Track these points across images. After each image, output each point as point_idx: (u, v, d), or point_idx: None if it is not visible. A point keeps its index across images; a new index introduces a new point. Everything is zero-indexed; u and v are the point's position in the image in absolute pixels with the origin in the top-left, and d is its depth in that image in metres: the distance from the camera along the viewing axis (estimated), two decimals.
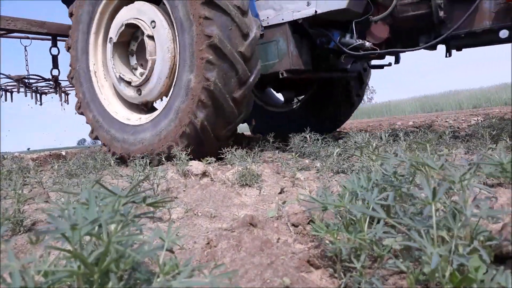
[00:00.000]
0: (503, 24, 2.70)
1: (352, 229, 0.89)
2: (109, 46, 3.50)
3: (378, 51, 3.15)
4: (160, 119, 3.08)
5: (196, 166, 2.42)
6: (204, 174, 2.38)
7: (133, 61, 3.51)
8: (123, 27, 3.35)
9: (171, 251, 0.70)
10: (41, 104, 6.14)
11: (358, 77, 4.50)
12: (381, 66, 4.22)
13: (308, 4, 3.05)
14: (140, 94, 3.35)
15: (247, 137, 4.37)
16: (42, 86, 6.12)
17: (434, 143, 2.64)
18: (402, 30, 3.15)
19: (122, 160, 3.37)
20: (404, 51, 3.28)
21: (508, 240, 0.82)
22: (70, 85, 5.05)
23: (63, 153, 6.01)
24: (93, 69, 3.67)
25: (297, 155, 2.92)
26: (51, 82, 5.60)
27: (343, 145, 2.70)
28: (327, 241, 1.05)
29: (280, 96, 5.09)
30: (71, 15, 3.78)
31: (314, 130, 3.25)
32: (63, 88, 5.89)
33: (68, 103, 6.21)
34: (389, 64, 3.99)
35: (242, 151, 2.66)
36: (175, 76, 3.01)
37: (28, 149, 10.44)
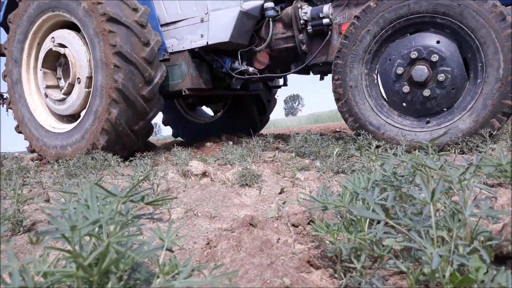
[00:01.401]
0: None
1: (352, 229, 0.89)
2: (40, 74, 4.11)
3: (258, 75, 3.91)
4: (84, 122, 3.65)
5: (196, 166, 2.42)
6: (204, 174, 2.38)
7: (62, 83, 4.07)
8: (46, 56, 4.00)
9: (170, 251, 0.70)
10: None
11: (266, 87, 5.43)
12: (278, 86, 5.47)
13: (202, 36, 3.78)
14: (67, 106, 3.95)
15: (155, 145, 5.11)
16: None
17: (434, 142, 2.64)
18: (278, 58, 3.88)
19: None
20: (279, 76, 4.23)
21: (508, 240, 0.82)
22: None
23: None
24: (28, 93, 4.27)
25: (297, 155, 2.92)
26: None
27: (343, 145, 2.70)
28: (327, 241, 1.05)
29: (209, 110, 6.23)
30: (4, 48, 4.34)
31: (235, 133, 4.34)
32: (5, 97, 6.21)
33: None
34: (285, 85, 5.28)
35: (243, 151, 2.66)
36: (93, 83, 3.60)
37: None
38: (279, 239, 1.19)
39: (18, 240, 1.42)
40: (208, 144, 4.46)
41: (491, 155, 1.99)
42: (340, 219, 0.99)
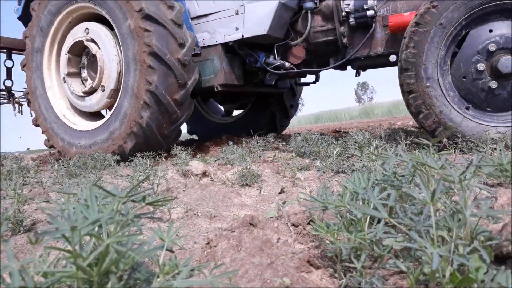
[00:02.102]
0: (392, 50, 3.30)
1: (352, 229, 0.89)
2: (64, 59, 3.89)
3: (295, 70, 3.76)
4: (110, 123, 3.49)
5: (196, 166, 2.42)
6: (204, 174, 2.38)
7: (89, 82, 3.84)
8: (74, 44, 3.79)
9: (171, 251, 0.70)
10: None
11: (291, 91, 5.19)
12: (306, 84, 5.13)
13: (237, 29, 3.61)
14: (91, 104, 3.78)
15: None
16: None
17: (435, 143, 2.64)
18: (315, 52, 3.74)
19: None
20: (318, 71, 4.01)
21: (509, 240, 0.82)
22: (23, 97, 5.40)
23: None
24: (48, 85, 4.07)
25: (297, 155, 2.92)
26: (3, 92, 5.77)
27: (343, 145, 2.70)
28: (327, 241, 1.05)
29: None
30: (25, 37, 4.13)
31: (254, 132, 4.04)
32: (16, 99, 5.99)
33: (22, 114, 6.32)
34: (314, 82, 4.92)
35: (243, 151, 2.66)
36: (122, 83, 3.43)
37: (28, 149, 10.42)
38: (279, 239, 1.19)
39: (18, 240, 1.42)
40: (208, 144, 4.46)
41: (491, 155, 1.99)
42: (340, 219, 0.99)
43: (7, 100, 6.07)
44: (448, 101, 2.71)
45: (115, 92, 3.55)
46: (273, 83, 4.40)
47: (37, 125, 4.12)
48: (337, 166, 2.24)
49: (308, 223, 1.29)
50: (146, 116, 3.25)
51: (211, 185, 2.04)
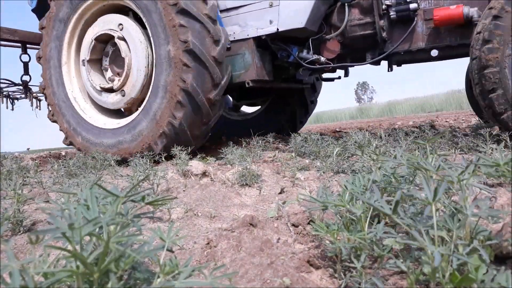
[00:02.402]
0: (434, 44, 3.24)
1: (352, 229, 0.89)
2: (88, 44, 3.58)
3: (332, 65, 3.63)
4: (138, 122, 3.29)
5: (196, 166, 2.42)
6: (204, 174, 2.38)
7: (108, 74, 3.66)
8: (99, 35, 3.53)
9: (171, 251, 0.70)
10: (12, 109, 6.12)
11: (312, 86, 5.02)
12: (331, 79, 4.82)
13: (271, 22, 3.46)
14: (116, 101, 3.55)
15: None
16: (14, 91, 6.08)
17: (435, 143, 2.64)
18: (351, 47, 3.62)
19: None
20: (353, 65, 3.81)
21: (508, 240, 0.82)
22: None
23: (63, 153, 6.01)
24: (67, 79, 3.80)
25: (297, 155, 2.92)
26: (21, 87, 5.64)
27: (343, 145, 2.71)
28: (327, 241, 1.05)
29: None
30: (42, 28, 3.87)
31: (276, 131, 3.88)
32: (34, 94, 5.87)
33: (40, 109, 6.18)
34: (339, 77, 4.65)
35: (243, 151, 2.66)
36: (152, 80, 3.24)
37: (28, 149, 10.41)
38: (279, 239, 1.19)
39: (18, 240, 1.42)
40: (207, 144, 4.44)
41: (491, 154, 1.99)
42: (340, 218, 0.99)
43: (24, 96, 5.87)
44: None
45: (135, 99, 3.42)
46: (306, 78, 4.24)
47: (54, 121, 3.88)
48: (337, 166, 2.24)
49: (308, 223, 1.29)
50: (180, 116, 3.09)
51: (211, 185, 2.04)
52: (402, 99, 20.68)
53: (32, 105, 5.95)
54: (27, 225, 1.57)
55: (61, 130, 3.82)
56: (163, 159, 3.00)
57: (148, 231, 1.38)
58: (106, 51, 3.66)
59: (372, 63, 3.63)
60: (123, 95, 3.45)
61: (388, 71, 3.90)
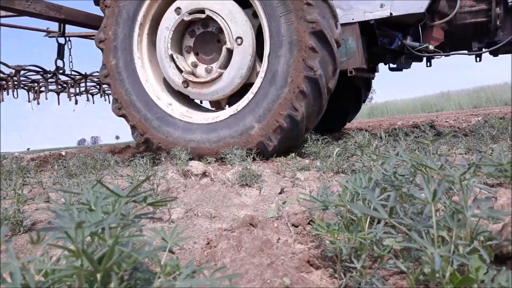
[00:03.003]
0: None
1: (352, 229, 0.89)
2: (173, 25, 3.04)
3: (441, 53, 3.39)
4: (245, 114, 2.88)
5: (196, 166, 2.42)
6: (204, 174, 2.38)
7: (192, 58, 3.18)
8: (187, 16, 3.02)
9: (171, 252, 0.70)
10: (38, 103, 5.43)
11: (367, 81, 4.76)
12: (400, 69, 4.37)
13: (382, 6, 3.15)
14: (211, 91, 3.06)
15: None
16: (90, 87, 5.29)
17: (436, 143, 2.64)
18: (456, 35, 3.37)
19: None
20: (464, 54, 3.53)
21: (509, 240, 0.82)
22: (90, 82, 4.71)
23: (63, 153, 6.00)
24: (138, 64, 3.25)
25: (297, 155, 2.92)
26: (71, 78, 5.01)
27: (343, 145, 2.71)
28: (327, 241, 1.05)
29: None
30: (105, 6, 3.30)
31: (322, 129, 3.40)
32: (87, 87, 5.22)
33: (94, 103, 5.55)
34: (407, 67, 4.25)
35: (242, 151, 2.66)
36: (266, 67, 2.82)
37: (28, 149, 10.42)
38: (279, 239, 1.19)
39: (18, 240, 1.42)
40: None
41: (491, 155, 1.99)
42: (340, 219, 0.99)
43: (56, 87, 5.04)
44: None
45: (247, 75, 2.96)
46: (408, 67, 3.98)
47: (121, 116, 3.33)
48: (337, 166, 2.24)
49: (308, 223, 1.29)
50: (302, 107, 2.71)
51: (211, 185, 2.04)
52: (402, 99, 20.68)
53: (69, 97, 5.20)
54: (27, 225, 1.57)
55: (132, 125, 3.27)
56: (163, 159, 3.00)
57: (149, 231, 1.38)
58: (187, 46, 3.16)
59: (489, 52, 3.38)
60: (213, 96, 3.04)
61: (476, 61, 3.65)
